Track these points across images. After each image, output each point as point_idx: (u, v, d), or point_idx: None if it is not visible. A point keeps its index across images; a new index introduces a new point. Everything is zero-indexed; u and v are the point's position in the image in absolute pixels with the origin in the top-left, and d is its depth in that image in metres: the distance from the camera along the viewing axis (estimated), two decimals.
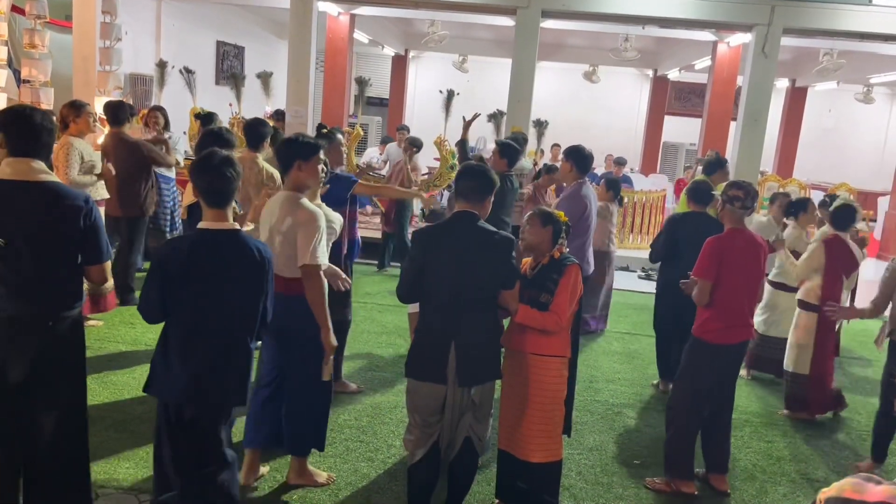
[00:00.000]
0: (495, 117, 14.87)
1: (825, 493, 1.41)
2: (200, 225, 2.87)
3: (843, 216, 5.14)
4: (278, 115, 9.57)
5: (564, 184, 5.86)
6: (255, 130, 5.44)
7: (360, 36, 14.51)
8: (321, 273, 3.40)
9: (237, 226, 2.91)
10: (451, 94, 14.48)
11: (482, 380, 3.26)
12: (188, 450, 2.88)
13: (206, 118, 6.46)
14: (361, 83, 13.54)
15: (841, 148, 19.03)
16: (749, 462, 4.53)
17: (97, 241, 2.96)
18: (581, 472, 4.18)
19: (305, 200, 3.50)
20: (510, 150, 5.96)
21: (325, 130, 4.94)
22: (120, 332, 5.87)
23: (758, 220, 6.23)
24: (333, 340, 3.42)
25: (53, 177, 2.94)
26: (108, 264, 3.12)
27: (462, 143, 6.87)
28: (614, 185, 7.41)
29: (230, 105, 12.93)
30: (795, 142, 18.07)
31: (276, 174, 5.04)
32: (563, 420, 3.46)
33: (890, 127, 18.37)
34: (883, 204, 13.36)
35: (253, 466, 3.71)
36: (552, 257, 3.42)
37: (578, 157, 5.49)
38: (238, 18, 14.98)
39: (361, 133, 10.04)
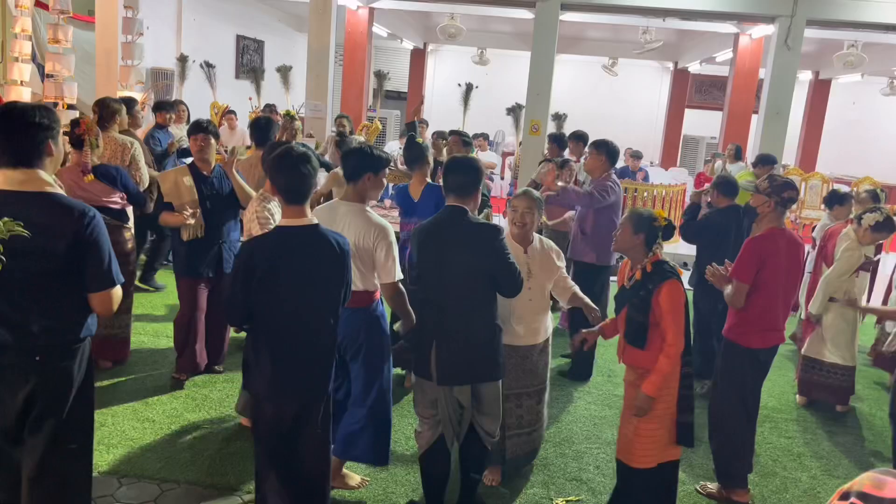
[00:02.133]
0: (514, 110, 14.82)
1: (843, 489, 1.35)
2: (281, 222, 2.89)
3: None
4: (269, 111, 9.65)
5: (590, 176, 5.87)
6: (261, 128, 5.41)
7: (378, 30, 14.51)
8: (401, 286, 3.42)
9: (315, 220, 2.91)
10: (469, 88, 14.44)
11: (464, 380, 3.26)
12: (284, 449, 2.90)
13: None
14: (380, 77, 13.53)
15: (865, 141, 18.76)
16: (769, 458, 4.49)
17: (95, 262, 2.49)
18: (599, 465, 4.18)
19: (373, 213, 3.42)
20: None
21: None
22: (140, 325, 5.94)
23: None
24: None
25: (48, 186, 2.48)
26: (116, 293, 2.57)
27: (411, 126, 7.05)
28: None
29: (249, 99, 13.00)
30: (818, 135, 17.84)
31: None
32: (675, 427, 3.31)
33: None
34: None
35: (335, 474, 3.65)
36: (644, 269, 3.25)
37: (607, 150, 5.53)
38: (258, 12, 15.05)
39: (380, 127, 10.06)
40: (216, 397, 4.68)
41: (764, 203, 3.80)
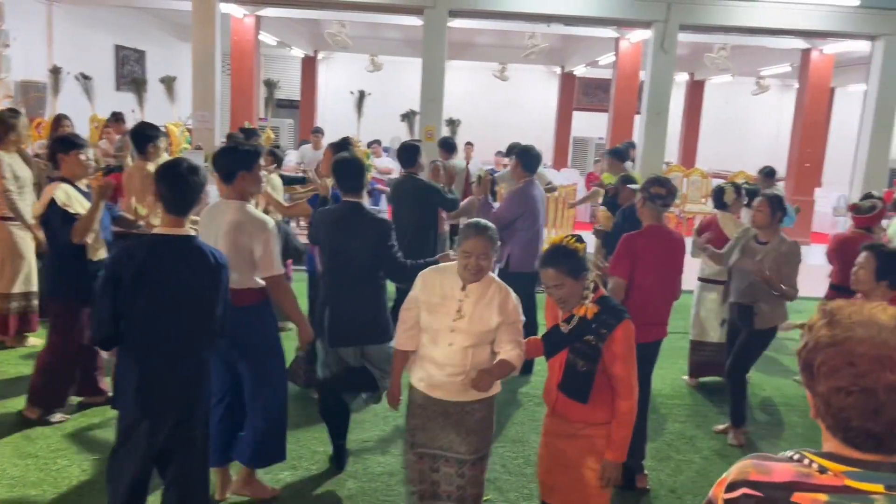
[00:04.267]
0: (408, 117, 14.90)
1: (726, 479, 1.34)
2: (156, 230, 2.88)
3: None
4: (114, 119, 9.35)
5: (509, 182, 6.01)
6: (141, 135, 5.18)
7: (266, 38, 14.24)
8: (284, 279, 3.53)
9: (193, 232, 2.88)
10: (362, 95, 14.41)
11: (350, 343, 3.73)
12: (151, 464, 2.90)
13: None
14: (270, 85, 13.31)
15: (738, 137, 20.00)
16: (665, 443, 4.70)
17: None
18: (505, 464, 4.24)
19: (252, 208, 3.44)
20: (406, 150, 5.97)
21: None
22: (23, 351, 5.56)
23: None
24: (311, 332, 3.64)
25: None
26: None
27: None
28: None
29: (132, 111, 12.46)
30: (696, 133, 18.91)
31: None
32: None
33: (782, 116, 19.38)
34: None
35: (224, 483, 3.63)
36: (586, 315, 2.75)
37: (527, 157, 5.68)
38: (137, 21, 14.44)
39: (272, 136, 9.86)
40: (98, 429, 4.44)
41: (637, 200, 3.99)
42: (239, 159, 3.41)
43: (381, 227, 3.74)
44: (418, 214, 5.72)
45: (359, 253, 3.69)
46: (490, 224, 2.91)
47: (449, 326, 2.88)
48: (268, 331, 3.49)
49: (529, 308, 5.40)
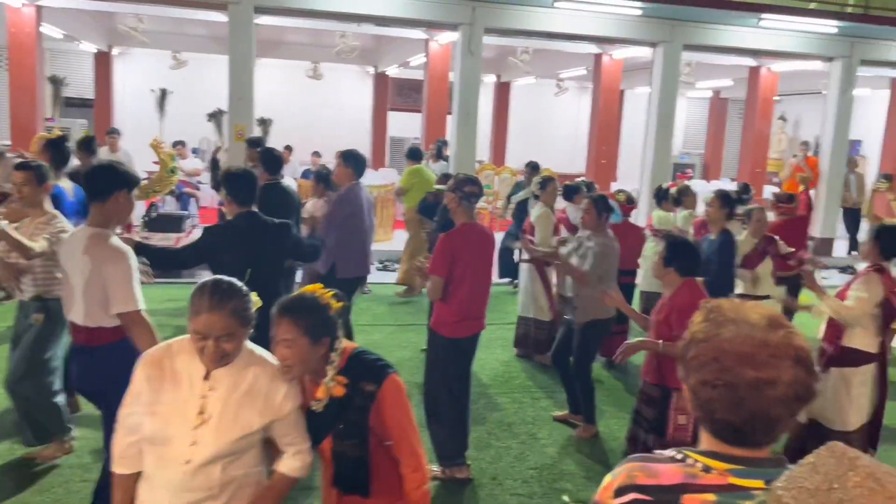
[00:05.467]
0: (216, 116, 14.23)
1: (612, 484, 1.32)
2: None
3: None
4: None
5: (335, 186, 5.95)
6: None
7: (51, 30, 12.94)
8: (144, 316, 2.99)
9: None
10: (164, 93, 13.55)
11: None
12: None
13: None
14: (56, 82, 12.11)
15: (543, 137, 21.18)
16: (485, 432, 4.85)
17: None
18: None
19: (115, 238, 3.07)
20: (267, 155, 5.87)
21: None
22: None
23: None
24: None
25: None
26: None
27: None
28: (324, 179, 7.42)
29: None
30: (505, 132, 19.83)
31: None
32: None
33: (580, 116, 20.79)
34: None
35: None
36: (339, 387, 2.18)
37: (354, 160, 5.62)
38: None
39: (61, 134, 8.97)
40: None
41: (451, 199, 4.08)
42: (120, 177, 3.09)
43: (283, 225, 3.93)
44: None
45: (276, 258, 3.96)
46: (235, 287, 2.09)
47: (187, 437, 2.04)
48: (123, 374, 3.11)
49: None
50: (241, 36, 9.76)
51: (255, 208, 3.93)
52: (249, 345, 2.17)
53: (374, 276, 9.12)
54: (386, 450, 2.20)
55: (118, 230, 3.25)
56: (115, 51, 17.23)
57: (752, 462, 1.25)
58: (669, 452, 1.32)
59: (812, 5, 11.95)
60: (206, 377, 2.09)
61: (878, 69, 13.47)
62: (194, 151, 13.16)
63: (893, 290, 3.97)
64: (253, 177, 4.02)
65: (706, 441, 1.31)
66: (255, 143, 7.23)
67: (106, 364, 3.04)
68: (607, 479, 1.35)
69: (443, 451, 4.15)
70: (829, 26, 11.37)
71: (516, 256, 8.17)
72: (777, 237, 5.62)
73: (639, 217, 10.87)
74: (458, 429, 4.18)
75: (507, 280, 8.87)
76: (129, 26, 13.14)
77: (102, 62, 16.92)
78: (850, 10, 12.08)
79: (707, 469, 1.25)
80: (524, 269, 6.49)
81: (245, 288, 2.12)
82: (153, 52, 16.55)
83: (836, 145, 12.51)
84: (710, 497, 1.22)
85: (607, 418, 5.19)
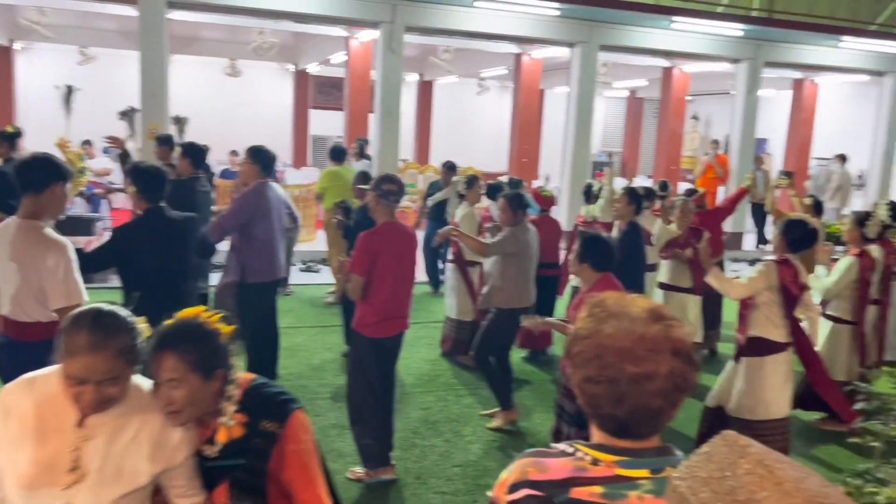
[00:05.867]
0: (128, 114, 13.71)
1: (506, 480, 1.32)
2: None
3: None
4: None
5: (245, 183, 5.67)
6: None
7: None
8: None
9: None
10: (70, 90, 12.93)
11: None
12: None
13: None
14: None
15: (466, 135, 21.33)
16: (410, 431, 4.84)
17: None
18: None
19: (50, 230, 3.02)
20: (193, 150, 5.90)
21: None
22: None
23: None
24: None
25: None
26: None
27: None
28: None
29: None
30: (428, 131, 19.85)
31: None
32: None
33: (502, 115, 21.06)
34: None
35: None
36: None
37: (262, 158, 5.21)
38: None
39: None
40: None
41: (370, 198, 4.05)
42: (54, 170, 3.03)
43: (190, 219, 4.07)
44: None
45: (185, 253, 3.98)
46: (119, 320, 1.74)
47: (56, 499, 1.69)
48: None
49: (269, 319, 5.19)
50: (152, 31, 9.42)
51: (162, 204, 3.89)
52: (134, 379, 1.79)
53: (297, 278, 9.00)
54: (288, 497, 1.88)
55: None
56: (16, 45, 16.33)
57: (638, 453, 1.27)
58: (561, 446, 1.33)
59: (720, 9, 12.46)
60: (80, 424, 1.72)
61: (781, 70, 14.19)
62: (105, 151, 12.61)
63: (793, 281, 4.17)
64: (162, 173, 3.96)
65: (595, 434, 1.33)
66: (165, 141, 7.00)
67: (43, 362, 2.90)
68: (503, 475, 1.35)
69: (367, 453, 4.11)
70: (736, 29, 11.87)
71: (441, 264, 8.17)
72: (703, 229, 5.79)
73: (561, 214, 11.09)
74: (383, 430, 4.15)
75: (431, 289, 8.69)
76: (31, 20, 12.51)
77: (3, 57, 16.01)
78: (755, 13, 12.67)
79: (595, 462, 1.27)
80: (450, 269, 6.51)
81: (131, 318, 1.76)
82: (58, 47, 15.80)
83: (743, 143, 13.10)
84: (598, 489, 1.25)
85: (531, 413, 5.27)
